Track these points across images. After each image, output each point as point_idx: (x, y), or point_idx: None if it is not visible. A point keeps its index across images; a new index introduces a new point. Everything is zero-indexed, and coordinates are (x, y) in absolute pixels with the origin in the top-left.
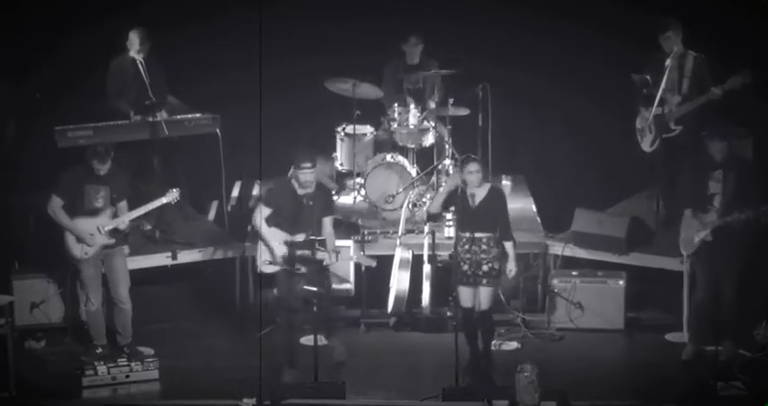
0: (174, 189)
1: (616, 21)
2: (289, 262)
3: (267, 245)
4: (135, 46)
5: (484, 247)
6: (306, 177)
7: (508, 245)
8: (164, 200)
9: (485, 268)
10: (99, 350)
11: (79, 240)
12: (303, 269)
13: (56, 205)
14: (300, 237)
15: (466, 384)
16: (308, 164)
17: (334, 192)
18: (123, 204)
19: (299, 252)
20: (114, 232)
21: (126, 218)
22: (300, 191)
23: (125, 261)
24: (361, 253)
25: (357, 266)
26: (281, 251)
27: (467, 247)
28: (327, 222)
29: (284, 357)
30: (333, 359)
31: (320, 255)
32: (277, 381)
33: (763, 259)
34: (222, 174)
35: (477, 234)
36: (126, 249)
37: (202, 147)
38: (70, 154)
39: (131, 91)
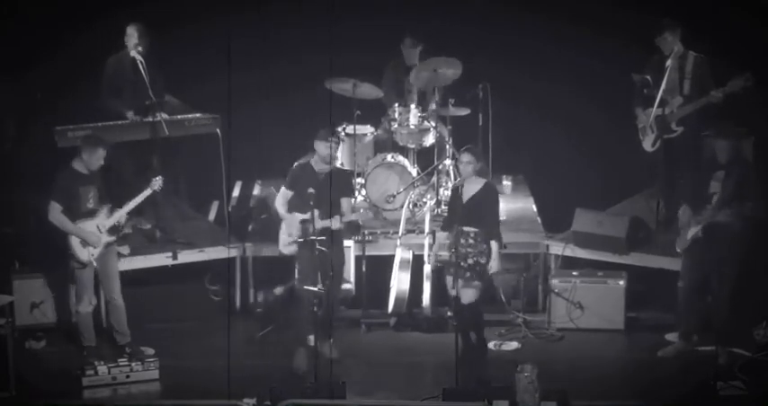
0: (157, 178)
1: (617, 21)
2: (305, 235)
3: (287, 225)
4: (133, 40)
5: (471, 241)
6: (327, 150)
7: (494, 245)
8: (150, 191)
9: (469, 261)
10: (85, 353)
11: (85, 243)
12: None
13: (56, 211)
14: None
15: (464, 380)
16: (335, 139)
17: None
18: (109, 205)
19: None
20: (113, 230)
21: (122, 212)
22: (318, 168)
23: (116, 259)
24: (361, 210)
25: (357, 266)
26: (297, 229)
27: (453, 239)
28: (345, 201)
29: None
30: (327, 357)
31: (326, 223)
32: (277, 381)
33: (758, 259)
34: (222, 174)
35: (465, 228)
36: (127, 248)
37: (202, 147)
38: (70, 155)
39: (128, 90)
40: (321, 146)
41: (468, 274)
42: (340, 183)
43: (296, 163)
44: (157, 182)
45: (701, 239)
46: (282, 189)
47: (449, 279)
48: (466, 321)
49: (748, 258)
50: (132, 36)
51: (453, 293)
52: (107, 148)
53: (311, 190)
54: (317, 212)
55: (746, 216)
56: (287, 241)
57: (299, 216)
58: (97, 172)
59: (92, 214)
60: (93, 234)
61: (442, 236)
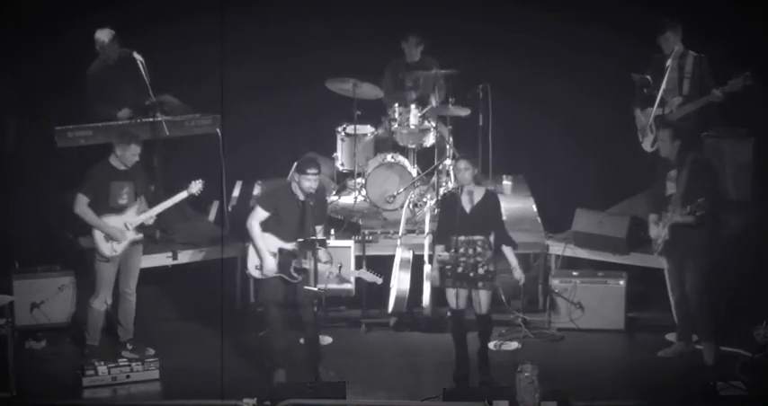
0: (197, 181)
1: (617, 20)
2: (284, 269)
3: (258, 250)
4: (103, 46)
5: (479, 249)
6: (310, 183)
7: (508, 250)
8: (186, 194)
9: (480, 271)
10: (87, 352)
11: (108, 238)
12: (299, 278)
13: (82, 203)
14: (293, 245)
15: (465, 382)
16: (314, 171)
17: (334, 193)
18: (142, 199)
19: (295, 263)
20: (141, 228)
21: (152, 213)
22: (302, 197)
23: (141, 256)
24: (367, 270)
25: (357, 266)
26: (271, 258)
27: (462, 250)
28: (318, 230)
29: (279, 359)
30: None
31: (321, 268)
32: (277, 381)
33: (758, 259)
34: (222, 174)
35: (473, 237)
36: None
37: (202, 147)
38: (75, 154)
39: (119, 93)
40: (300, 178)
41: (481, 284)
42: (316, 210)
43: (280, 183)
44: (197, 185)
45: (669, 241)
46: (260, 209)
47: (451, 293)
48: (481, 330)
49: (743, 258)
50: (101, 41)
51: (457, 307)
52: (140, 144)
53: (311, 189)
54: (292, 246)
55: (703, 215)
56: (255, 265)
57: (272, 240)
58: (134, 169)
59: (121, 209)
60: (116, 230)
61: (438, 248)
